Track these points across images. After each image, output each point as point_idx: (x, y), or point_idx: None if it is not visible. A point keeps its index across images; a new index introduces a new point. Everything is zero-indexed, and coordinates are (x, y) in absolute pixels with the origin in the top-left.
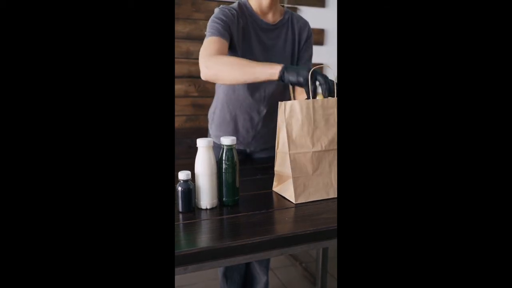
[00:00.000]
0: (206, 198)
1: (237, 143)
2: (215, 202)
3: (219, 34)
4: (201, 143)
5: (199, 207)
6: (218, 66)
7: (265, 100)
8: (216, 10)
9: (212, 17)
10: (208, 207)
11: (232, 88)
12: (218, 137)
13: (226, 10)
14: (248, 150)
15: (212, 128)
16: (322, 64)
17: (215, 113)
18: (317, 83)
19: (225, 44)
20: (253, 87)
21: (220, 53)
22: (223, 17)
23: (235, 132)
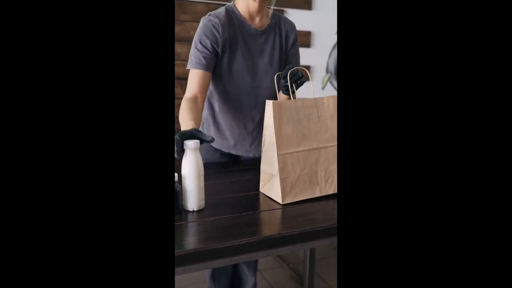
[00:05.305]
0: (193, 200)
1: (235, 150)
2: (202, 204)
3: (200, 66)
4: (188, 144)
5: (186, 209)
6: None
7: (257, 106)
8: (201, 23)
9: (195, 38)
10: (195, 209)
11: (222, 99)
12: (215, 141)
13: (210, 25)
14: (247, 157)
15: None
16: (309, 66)
17: (209, 128)
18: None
19: (206, 75)
20: (244, 94)
21: (200, 87)
22: (206, 39)
23: (232, 140)
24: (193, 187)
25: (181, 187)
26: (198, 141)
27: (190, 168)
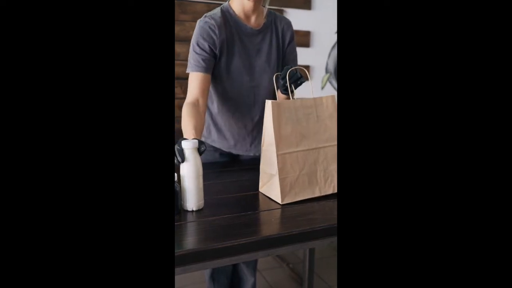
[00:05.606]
0: (192, 200)
1: (236, 150)
2: (201, 204)
3: (199, 68)
4: (187, 145)
5: (185, 209)
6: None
7: (256, 106)
8: (198, 25)
9: (192, 41)
10: (194, 209)
11: (221, 100)
12: (216, 141)
13: (207, 27)
14: (247, 156)
15: (210, 138)
16: (308, 65)
17: (209, 128)
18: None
19: (206, 77)
20: (243, 94)
21: (201, 90)
22: (203, 42)
23: (232, 140)
24: (192, 187)
25: (181, 187)
26: (196, 141)
27: (189, 168)
